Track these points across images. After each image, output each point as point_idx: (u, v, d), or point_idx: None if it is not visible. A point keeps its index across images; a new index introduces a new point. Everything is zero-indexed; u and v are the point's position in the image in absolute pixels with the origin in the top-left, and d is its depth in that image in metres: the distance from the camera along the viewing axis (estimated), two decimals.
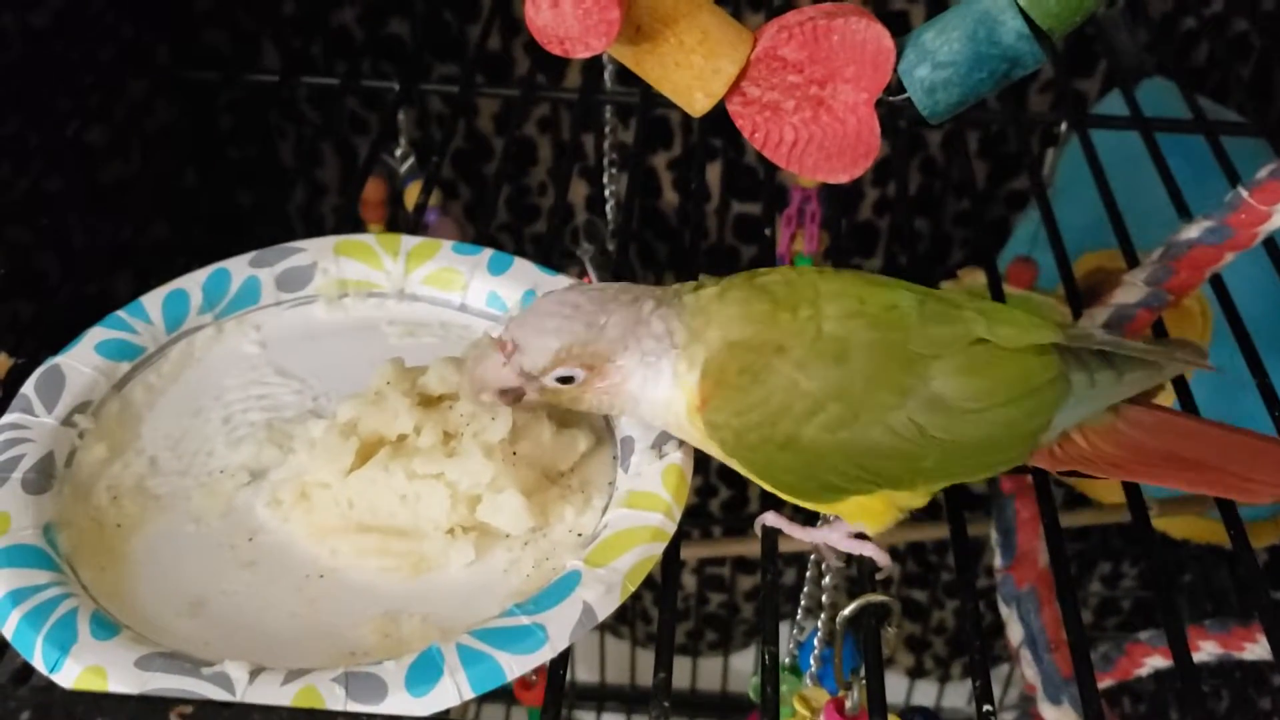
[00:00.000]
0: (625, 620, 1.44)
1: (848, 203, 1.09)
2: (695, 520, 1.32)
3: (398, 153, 0.94)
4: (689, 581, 1.39)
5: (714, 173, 1.10)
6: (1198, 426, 0.53)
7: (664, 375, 0.50)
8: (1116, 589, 1.34)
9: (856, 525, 0.54)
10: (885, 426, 0.49)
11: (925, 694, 1.48)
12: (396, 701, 0.43)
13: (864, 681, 0.52)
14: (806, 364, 0.48)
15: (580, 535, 0.52)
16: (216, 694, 0.43)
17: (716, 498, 1.31)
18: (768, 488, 0.52)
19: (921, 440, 0.49)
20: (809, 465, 0.50)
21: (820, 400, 0.48)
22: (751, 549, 1.17)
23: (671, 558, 0.52)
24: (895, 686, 1.46)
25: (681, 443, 0.53)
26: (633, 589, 0.48)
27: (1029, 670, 0.67)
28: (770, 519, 0.55)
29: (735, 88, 0.49)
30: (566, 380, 0.50)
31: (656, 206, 1.14)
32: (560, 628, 0.46)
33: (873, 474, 0.50)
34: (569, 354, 0.49)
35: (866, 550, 0.54)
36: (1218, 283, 0.68)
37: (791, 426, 0.49)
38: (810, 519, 0.58)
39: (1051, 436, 0.51)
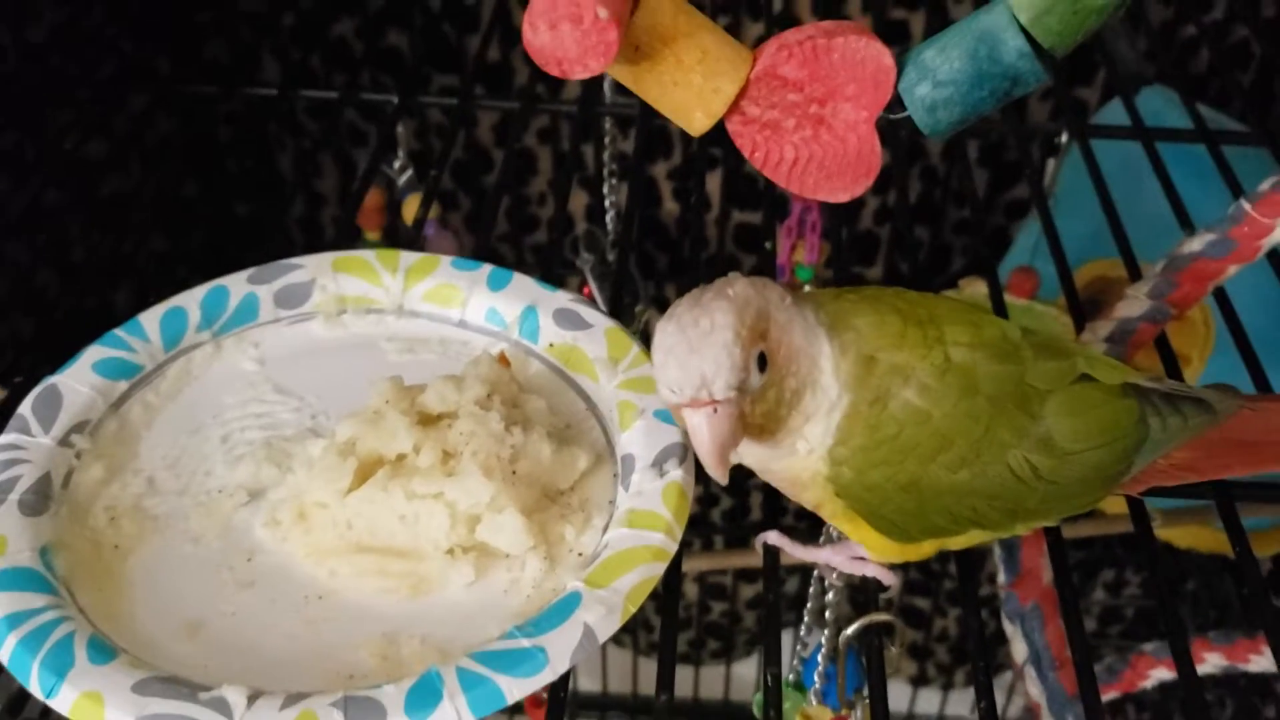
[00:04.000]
0: (628, 629, 1.43)
1: (848, 212, 1.08)
2: (696, 530, 1.31)
3: (396, 165, 0.94)
4: (691, 590, 1.39)
5: (714, 182, 1.10)
6: (1259, 410, 0.53)
7: (813, 324, 0.47)
8: (1120, 597, 1.34)
9: (860, 547, 0.54)
10: (1004, 466, 0.48)
11: (928, 702, 1.47)
12: None
13: (867, 700, 0.51)
14: (937, 396, 0.47)
15: (581, 555, 0.51)
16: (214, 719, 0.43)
17: (718, 507, 1.31)
18: (862, 531, 0.50)
19: (1034, 482, 0.48)
20: (923, 507, 0.48)
21: (949, 437, 0.47)
22: (753, 560, 1.16)
23: (673, 574, 0.51)
24: (898, 695, 1.46)
25: (682, 461, 0.52)
26: (634, 610, 0.47)
27: (1034, 688, 0.67)
28: (773, 538, 0.55)
29: (735, 107, 0.49)
30: (764, 364, 0.45)
31: (657, 216, 1.14)
32: (561, 650, 0.45)
33: (979, 516, 0.49)
34: (745, 328, 0.44)
35: (869, 571, 0.54)
36: (1220, 294, 0.68)
37: (917, 466, 0.47)
38: (813, 532, 0.58)
39: (1128, 478, 0.51)
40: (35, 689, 0.45)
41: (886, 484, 0.47)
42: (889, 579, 0.54)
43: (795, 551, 0.55)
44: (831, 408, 0.47)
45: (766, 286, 0.47)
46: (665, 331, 0.45)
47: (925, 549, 0.51)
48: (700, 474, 0.54)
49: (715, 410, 0.44)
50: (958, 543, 0.51)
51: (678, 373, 0.44)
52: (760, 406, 0.46)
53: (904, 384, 0.47)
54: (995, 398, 0.47)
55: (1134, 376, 0.51)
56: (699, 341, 0.44)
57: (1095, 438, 0.49)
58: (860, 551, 0.54)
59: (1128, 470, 0.50)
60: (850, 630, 0.53)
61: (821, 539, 0.61)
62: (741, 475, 0.47)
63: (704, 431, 0.45)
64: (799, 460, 0.48)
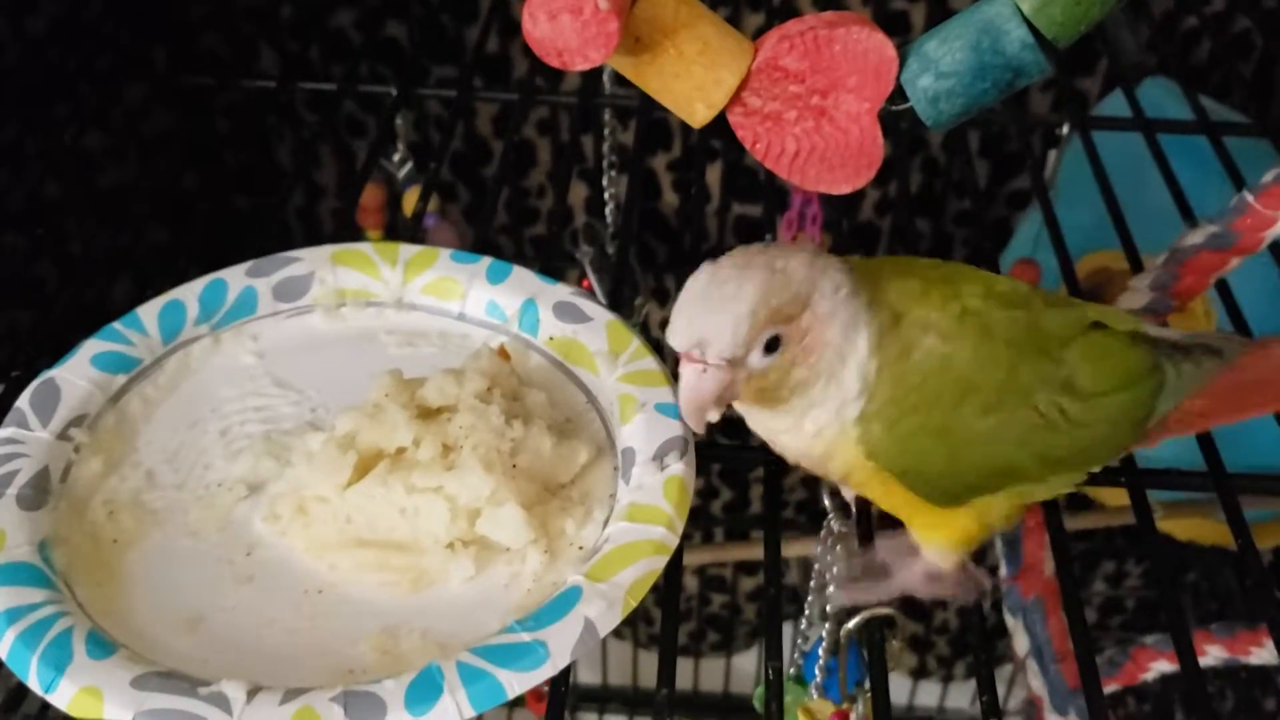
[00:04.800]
0: (628, 622, 1.42)
1: (849, 203, 1.08)
2: (696, 523, 1.31)
3: (395, 157, 0.94)
4: (691, 583, 1.39)
5: (714, 174, 1.10)
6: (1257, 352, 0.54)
7: (860, 321, 0.47)
8: (1121, 588, 1.34)
9: (935, 556, 0.52)
10: (1031, 409, 0.48)
11: (929, 694, 1.47)
12: None
13: (869, 694, 0.51)
14: (955, 340, 0.47)
15: (581, 549, 0.51)
16: (214, 714, 0.43)
17: (718, 500, 1.31)
18: (896, 498, 0.50)
19: (1063, 424, 0.48)
20: (956, 458, 0.48)
21: (972, 381, 0.47)
22: (752, 554, 1.16)
23: (674, 568, 0.51)
24: (898, 688, 1.46)
25: (683, 455, 0.52)
26: (635, 604, 0.47)
27: (1035, 681, 0.67)
28: (844, 598, 0.54)
29: (736, 98, 0.48)
30: (773, 347, 0.46)
31: (657, 208, 1.13)
32: (561, 644, 0.45)
33: (1012, 466, 0.49)
34: (766, 308, 0.45)
35: (952, 587, 0.53)
36: (1222, 286, 0.68)
37: (945, 414, 0.47)
38: (813, 526, 0.58)
39: (1153, 424, 0.51)
40: (34, 684, 0.44)
41: (919, 434, 0.47)
42: (984, 581, 0.53)
43: (874, 595, 0.53)
44: (847, 402, 0.47)
45: (826, 271, 0.47)
46: (696, 278, 0.46)
47: (970, 528, 0.51)
48: (700, 466, 0.54)
49: (704, 370, 0.46)
50: (999, 513, 0.51)
51: (682, 325, 0.46)
52: (756, 383, 0.46)
53: (925, 333, 0.47)
54: (1012, 341, 0.48)
55: (1143, 325, 0.52)
56: (716, 303, 0.45)
57: (1117, 379, 0.49)
58: (927, 564, 0.53)
59: (1151, 415, 0.51)
60: (851, 624, 0.53)
61: (822, 532, 0.61)
62: (743, 469, 0.46)
63: (686, 386, 0.47)
64: (809, 440, 0.49)
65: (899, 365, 0.47)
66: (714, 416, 0.48)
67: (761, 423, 0.50)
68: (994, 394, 0.47)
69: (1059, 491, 0.52)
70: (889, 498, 0.51)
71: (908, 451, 0.48)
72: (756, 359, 0.46)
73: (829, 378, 0.47)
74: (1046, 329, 0.49)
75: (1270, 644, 0.62)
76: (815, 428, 0.48)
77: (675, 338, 0.46)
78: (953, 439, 0.48)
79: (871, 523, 0.56)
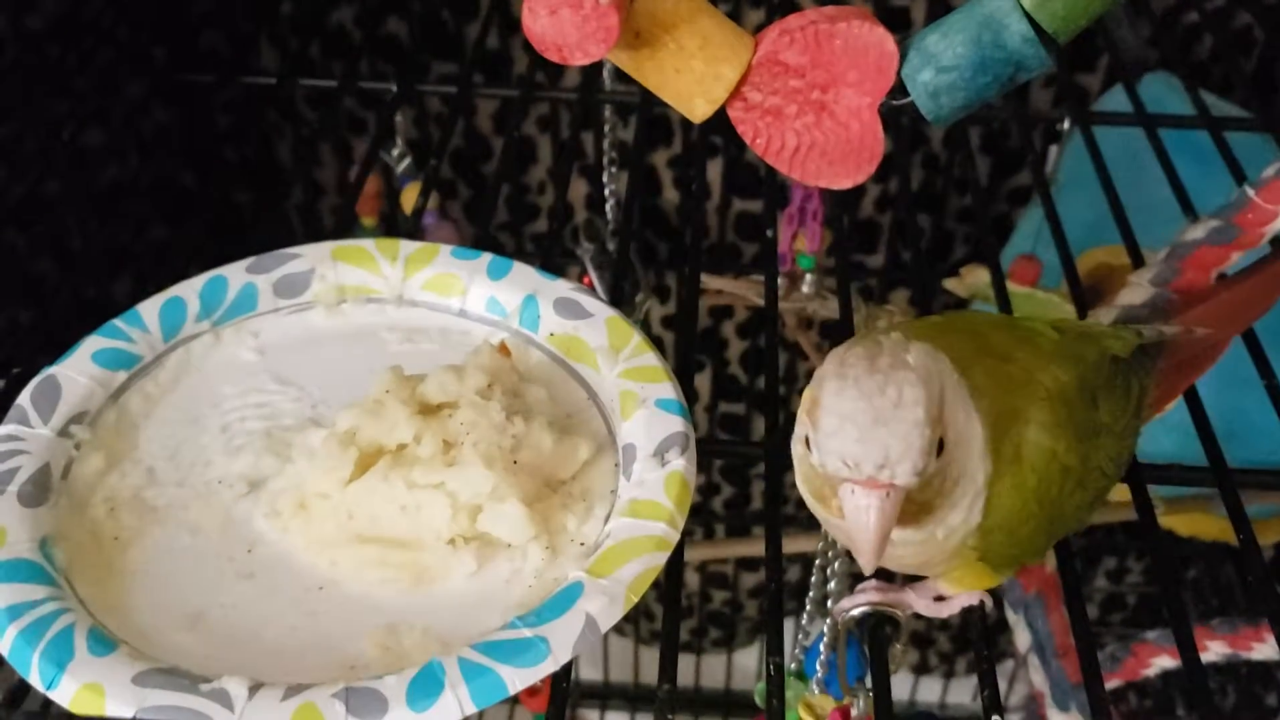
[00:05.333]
0: (629, 618, 1.42)
1: (850, 200, 1.08)
2: (697, 519, 1.31)
3: (395, 153, 0.94)
4: (692, 579, 1.39)
5: (715, 170, 1.10)
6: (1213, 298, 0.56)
7: (970, 406, 0.42)
8: (1122, 584, 1.34)
9: (948, 587, 0.51)
10: (1099, 470, 0.47)
11: (930, 690, 1.47)
12: (397, 717, 0.43)
13: (870, 691, 0.51)
14: (1053, 430, 0.44)
15: (583, 545, 0.51)
16: (215, 711, 0.43)
17: (719, 496, 1.31)
18: (980, 577, 0.48)
19: (1111, 469, 0.48)
20: (1051, 539, 0.47)
21: (1070, 466, 0.45)
22: (754, 550, 1.16)
23: (675, 564, 0.51)
24: (899, 684, 1.46)
25: (684, 450, 0.52)
26: (636, 600, 0.47)
27: (1036, 676, 0.67)
28: (859, 600, 0.52)
29: (736, 93, 0.48)
30: (940, 451, 0.40)
31: (657, 205, 1.13)
32: (563, 640, 0.45)
33: (1081, 523, 0.48)
34: (935, 407, 0.40)
35: (955, 608, 0.52)
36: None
37: (1053, 506, 0.45)
38: (812, 523, 0.57)
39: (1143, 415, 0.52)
40: (36, 681, 0.44)
41: (1036, 535, 0.45)
42: (978, 598, 0.52)
43: (884, 597, 0.52)
44: (979, 493, 0.43)
45: (937, 358, 0.42)
46: (842, 394, 0.40)
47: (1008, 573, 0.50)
48: (702, 463, 0.54)
49: (889, 494, 0.39)
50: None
51: (857, 447, 0.39)
52: (920, 495, 0.41)
53: (1027, 428, 0.44)
54: (1082, 408, 0.47)
55: (1143, 333, 0.52)
56: (887, 414, 0.39)
57: (1129, 409, 0.49)
58: (939, 589, 0.51)
59: (1140, 423, 0.51)
60: (852, 613, 0.53)
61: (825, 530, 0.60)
62: (743, 466, 0.46)
63: (872, 517, 0.40)
64: (938, 546, 0.44)
65: (1014, 470, 0.43)
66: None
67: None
68: (1081, 467, 0.46)
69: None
70: (971, 578, 0.49)
71: (1020, 549, 0.46)
72: (933, 466, 0.40)
73: (970, 476, 0.42)
74: (1093, 381, 0.48)
75: (1272, 640, 0.62)
76: (945, 531, 0.43)
77: (849, 461, 0.39)
78: (1055, 525, 0.47)
79: None
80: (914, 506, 0.41)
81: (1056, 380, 0.46)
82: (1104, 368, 0.49)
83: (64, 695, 0.44)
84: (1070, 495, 0.46)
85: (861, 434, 0.39)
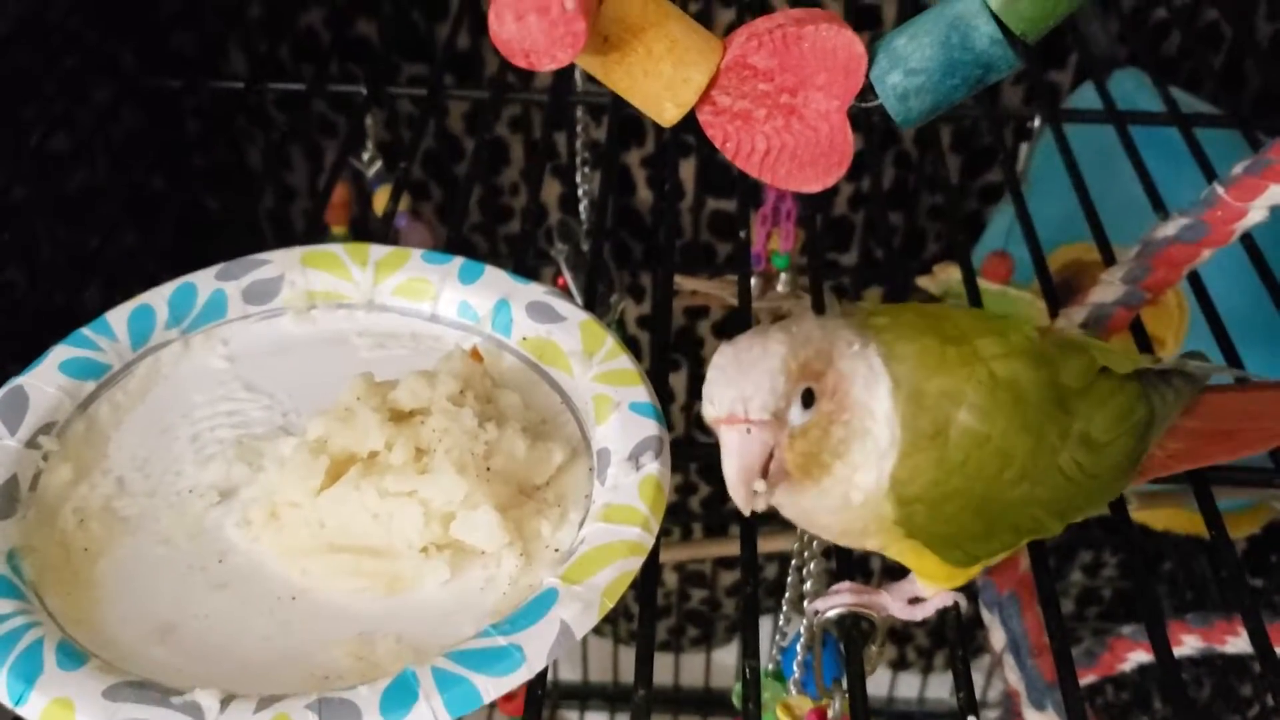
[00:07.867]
0: (608, 618, 1.43)
1: (823, 199, 1.08)
2: (675, 518, 1.31)
3: (365, 157, 0.93)
4: (670, 578, 1.39)
5: (688, 169, 1.09)
6: (1234, 396, 0.55)
7: (879, 373, 0.46)
8: (1097, 578, 1.34)
9: (927, 590, 0.53)
10: (1057, 470, 0.48)
11: (908, 686, 1.47)
12: None
13: (846, 691, 0.51)
14: (991, 415, 0.46)
15: (557, 551, 0.51)
16: None
17: (696, 495, 1.31)
18: (920, 560, 0.50)
19: (1080, 478, 0.48)
20: (992, 528, 0.48)
21: (1009, 453, 0.46)
22: (730, 550, 1.16)
23: (651, 568, 0.51)
24: (877, 680, 1.46)
25: (658, 454, 0.52)
26: (611, 605, 0.47)
27: (1012, 675, 0.67)
28: (833, 601, 0.54)
29: (705, 97, 0.48)
30: (809, 402, 0.45)
31: (631, 205, 1.13)
32: (537, 648, 0.45)
33: (1037, 524, 0.49)
34: (796, 361, 0.45)
35: (930, 610, 0.54)
36: (1194, 277, 0.68)
37: (984, 489, 0.47)
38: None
39: (1142, 462, 0.52)
40: (3, 697, 0.44)
41: (961, 514, 0.47)
42: (952, 599, 0.54)
43: (858, 599, 0.54)
44: (883, 455, 0.46)
45: (839, 331, 0.47)
46: (721, 353, 0.46)
47: (972, 572, 0.51)
48: (677, 464, 0.53)
49: (749, 430, 0.45)
50: (1000, 556, 0.51)
51: (719, 388, 0.45)
52: (800, 445, 0.45)
53: (957, 408, 0.46)
54: (1040, 404, 0.47)
55: (1140, 362, 0.52)
56: (748, 365, 0.45)
57: (1121, 425, 0.49)
58: (914, 591, 0.53)
59: (1145, 450, 0.51)
60: (828, 614, 0.53)
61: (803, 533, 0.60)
62: (720, 465, 0.46)
63: (733, 449, 0.45)
64: (854, 511, 0.47)
65: (936, 445, 0.46)
66: (761, 501, 0.47)
67: (800, 504, 0.48)
68: (1028, 460, 0.47)
69: (1057, 531, 0.51)
70: (919, 563, 0.51)
71: (950, 529, 0.48)
72: (797, 414, 0.45)
73: (864, 436, 0.46)
74: (1065, 384, 0.48)
75: (1245, 633, 0.62)
76: (862, 495, 0.46)
77: (713, 404, 0.45)
78: (990, 512, 0.47)
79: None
80: (801, 459, 0.45)
81: (1011, 371, 0.47)
82: (1087, 376, 0.49)
83: (33, 711, 0.43)
84: (1012, 485, 0.47)
85: (725, 380, 0.45)
